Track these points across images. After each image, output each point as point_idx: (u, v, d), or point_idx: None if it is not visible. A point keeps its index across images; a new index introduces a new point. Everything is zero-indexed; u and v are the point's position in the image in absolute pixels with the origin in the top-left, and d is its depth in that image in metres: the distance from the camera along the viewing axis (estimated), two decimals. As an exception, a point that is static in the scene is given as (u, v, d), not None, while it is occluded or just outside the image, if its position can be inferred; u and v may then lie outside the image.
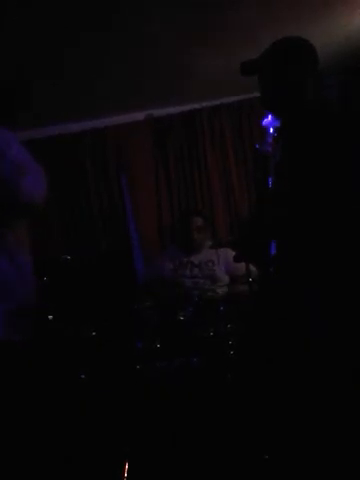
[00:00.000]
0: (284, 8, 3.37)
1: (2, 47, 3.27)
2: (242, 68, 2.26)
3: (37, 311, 3.11)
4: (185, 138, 4.84)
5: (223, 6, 3.24)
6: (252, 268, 2.71)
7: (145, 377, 2.84)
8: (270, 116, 2.20)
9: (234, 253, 3.86)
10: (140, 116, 4.82)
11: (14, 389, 1.78)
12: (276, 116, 2.23)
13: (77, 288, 3.69)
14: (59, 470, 2.25)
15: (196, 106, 4.80)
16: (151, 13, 3.21)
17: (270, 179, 2.14)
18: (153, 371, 2.86)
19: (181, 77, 4.15)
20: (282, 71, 2.13)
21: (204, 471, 2.44)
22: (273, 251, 2.14)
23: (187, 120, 4.82)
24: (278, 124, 2.17)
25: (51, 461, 2.18)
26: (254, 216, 2.42)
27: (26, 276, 1.87)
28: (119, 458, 2.46)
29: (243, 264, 3.87)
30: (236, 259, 2.58)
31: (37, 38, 3.28)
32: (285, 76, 2.12)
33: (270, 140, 2.17)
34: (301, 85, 2.13)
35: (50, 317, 3.14)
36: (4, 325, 1.76)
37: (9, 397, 1.75)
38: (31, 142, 4.36)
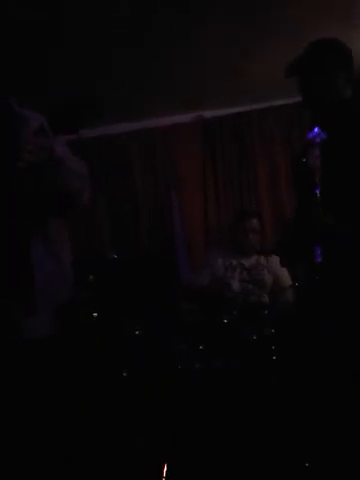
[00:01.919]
0: (334, 9, 3.32)
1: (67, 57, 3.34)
2: (285, 71, 2.28)
3: (82, 308, 3.17)
4: (234, 140, 4.82)
5: (271, 7, 3.22)
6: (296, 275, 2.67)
7: (186, 378, 2.83)
8: (316, 128, 2.19)
9: (282, 269, 3.91)
10: (189, 118, 4.82)
11: (57, 385, 1.80)
12: (316, 116, 2.25)
13: (122, 287, 3.72)
14: (101, 467, 2.27)
15: (246, 108, 4.77)
16: (202, 14, 3.21)
17: (317, 190, 2.13)
18: (194, 372, 2.85)
19: (231, 79, 4.14)
20: (320, 72, 2.14)
21: (243, 472, 2.42)
22: (319, 259, 2.12)
23: (236, 122, 4.80)
24: (324, 136, 2.16)
25: (93, 457, 2.20)
26: (297, 224, 2.40)
27: (67, 274, 1.90)
28: (158, 458, 2.46)
29: (288, 276, 3.89)
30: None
31: (94, 39, 3.33)
32: (323, 77, 2.13)
33: (317, 153, 2.15)
34: (337, 86, 2.13)
35: (95, 315, 3.18)
36: (47, 322, 1.79)
37: (52, 393, 1.77)
38: (80, 141, 4.44)
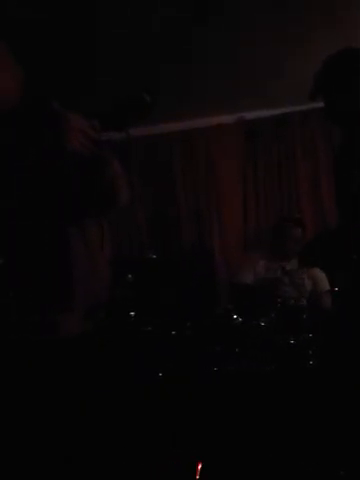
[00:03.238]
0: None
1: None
2: (309, 95, 2.26)
3: (119, 307, 3.19)
4: (275, 143, 4.78)
5: (316, 7, 3.19)
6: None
7: (221, 379, 2.82)
8: None
9: (321, 273, 3.88)
10: (231, 119, 4.80)
11: (91, 382, 1.81)
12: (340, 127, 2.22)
13: (160, 287, 3.73)
14: (136, 465, 2.28)
15: (288, 110, 4.72)
16: (247, 15, 3.19)
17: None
18: (230, 374, 2.84)
19: (275, 80, 4.10)
20: (342, 91, 2.10)
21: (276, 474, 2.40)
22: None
23: (278, 124, 4.76)
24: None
25: (127, 455, 2.21)
26: (341, 230, 2.38)
27: (105, 272, 1.91)
28: (191, 459, 2.45)
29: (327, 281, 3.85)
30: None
31: (141, 38, 3.37)
32: (346, 95, 2.10)
33: None
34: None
35: (132, 313, 3.20)
36: (84, 319, 1.80)
37: (85, 391, 1.78)
38: (122, 141, 4.47)
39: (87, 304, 1.81)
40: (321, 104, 3.96)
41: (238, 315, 3.24)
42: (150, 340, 3.06)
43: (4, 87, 1.72)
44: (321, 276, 3.92)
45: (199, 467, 2.37)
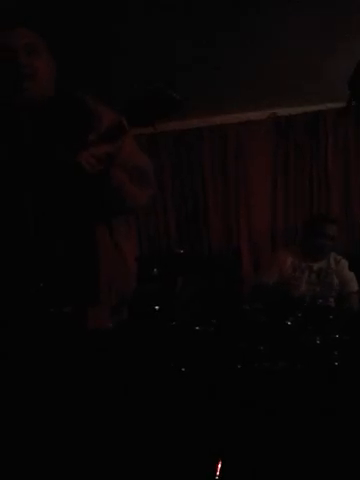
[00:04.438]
0: None
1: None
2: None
3: (144, 301, 3.20)
4: (307, 139, 4.73)
5: (351, 7, 3.14)
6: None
7: (244, 377, 2.81)
8: None
9: (350, 272, 3.83)
10: (263, 115, 4.77)
11: (117, 375, 1.82)
12: None
13: (186, 282, 3.73)
14: (157, 460, 2.28)
15: (321, 107, 4.67)
16: (281, 13, 3.17)
17: None
18: (253, 373, 2.82)
19: (308, 77, 4.06)
20: None
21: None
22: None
23: (310, 122, 4.71)
24: None
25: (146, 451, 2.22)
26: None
27: (131, 267, 1.93)
28: (213, 457, 2.44)
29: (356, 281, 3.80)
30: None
31: (174, 34, 3.37)
32: None
33: None
34: None
35: (156, 308, 3.20)
36: (110, 311, 1.82)
37: (112, 383, 1.79)
38: (150, 136, 4.49)
39: (114, 298, 1.83)
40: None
41: (264, 313, 3.22)
42: (174, 335, 3.06)
43: (43, 78, 1.75)
44: (350, 276, 3.87)
45: (219, 465, 2.35)
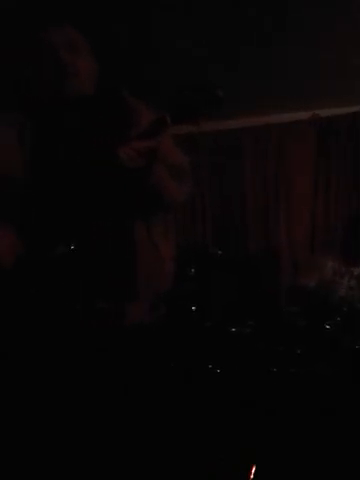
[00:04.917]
0: None
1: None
2: None
3: (181, 300, 3.20)
4: (350, 142, 4.65)
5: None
6: None
7: (280, 381, 2.78)
8: None
9: None
10: (304, 116, 4.71)
11: (150, 372, 1.82)
12: None
13: (223, 282, 3.72)
14: (191, 460, 2.27)
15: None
16: (324, 14, 3.12)
17: None
18: (289, 376, 2.79)
19: (353, 78, 4.00)
20: None
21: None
22: None
23: (354, 122, 4.63)
24: None
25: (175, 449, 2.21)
26: None
27: (168, 265, 1.93)
28: (245, 459, 2.41)
29: None
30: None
31: (221, 35, 3.37)
32: None
33: None
34: None
35: (193, 308, 3.20)
36: (147, 309, 1.82)
37: (145, 379, 1.79)
38: (190, 135, 4.48)
39: (151, 296, 1.85)
40: None
41: (302, 317, 3.19)
42: (210, 335, 3.05)
43: (84, 76, 1.77)
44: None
45: (253, 469, 2.32)
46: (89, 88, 1.80)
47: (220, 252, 4.13)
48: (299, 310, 3.40)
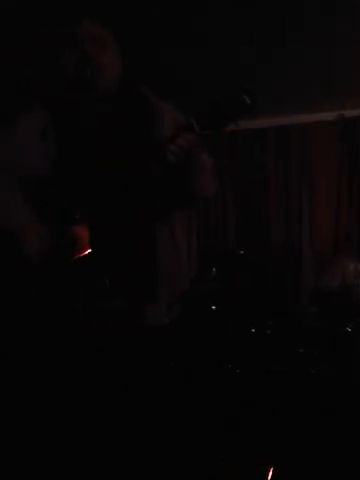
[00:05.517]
0: None
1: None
2: None
3: (201, 299, 3.20)
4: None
5: None
6: None
7: (298, 382, 2.76)
8: None
9: None
10: (329, 116, 4.67)
11: (170, 371, 1.83)
12: None
13: (245, 283, 3.71)
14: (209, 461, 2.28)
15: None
16: (345, 14, 3.10)
17: None
18: (307, 377, 2.78)
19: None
20: None
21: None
22: None
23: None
24: None
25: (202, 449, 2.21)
26: None
27: (190, 266, 1.93)
28: (264, 461, 2.41)
29: None
30: None
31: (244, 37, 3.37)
32: None
33: None
34: None
35: (213, 307, 3.19)
36: (168, 310, 1.82)
37: (164, 378, 1.79)
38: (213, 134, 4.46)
39: (171, 296, 1.84)
40: None
41: (322, 318, 3.17)
42: (228, 335, 3.05)
43: (109, 72, 1.76)
44: None
45: (270, 472, 2.32)
46: (113, 85, 1.79)
47: (242, 252, 4.12)
48: (318, 310, 3.39)
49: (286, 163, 4.82)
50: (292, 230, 4.79)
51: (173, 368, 1.77)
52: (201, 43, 3.41)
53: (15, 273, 1.71)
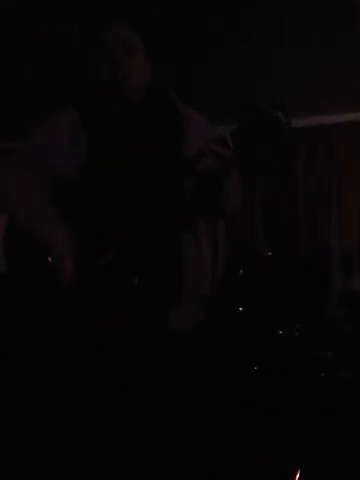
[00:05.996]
0: None
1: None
2: None
3: (228, 301, 3.19)
4: None
5: None
6: None
7: (326, 386, 2.74)
8: None
9: None
10: (356, 117, 4.62)
11: (196, 377, 1.82)
12: None
13: (272, 285, 3.69)
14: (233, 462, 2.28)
15: None
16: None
17: None
18: (336, 382, 2.75)
19: None
20: None
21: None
22: None
23: None
24: None
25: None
26: None
27: (214, 271, 1.93)
28: (291, 463, 2.40)
29: None
30: None
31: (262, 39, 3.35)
32: None
33: None
34: None
35: (240, 309, 3.18)
36: (192, 314, 1.81)
37: (189, 382, 1.79)
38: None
39: (196, 301, 1.82)
40: None
41: (349, 321, 3.14)
42: (255, 337, 3.03)
43: (137, 77, 1.77)
44: None
45: (297, 474, 2.31)
46: (141, 89, 1.80)
47: (270, 253, 4.09)
48: (345, 314, 3.36)
49: (314, 163, 4.78)
50: (321, 231, 4.74)
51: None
52: (225, 43, 3.41)
53: (41, 279, 1.73)
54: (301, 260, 4.53)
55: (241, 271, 3.53)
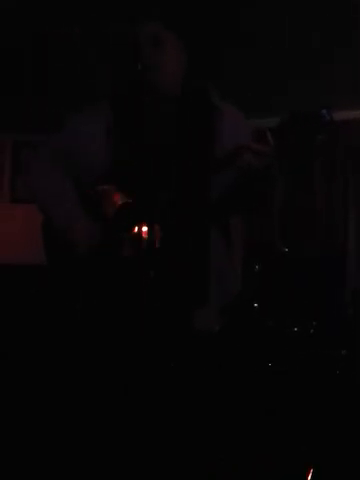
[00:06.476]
0: None
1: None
2: None
3: (244, 297, 3.18)
4: None
5: None
6: None
7: (342, 385, 2.73)
8: None
9: None
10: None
11: (217, 377, 1.82)
12: None
13: (288, 281, 3.69)
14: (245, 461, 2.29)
15: None
16: None
17: None
18: (353, 380, 2.75)
19: None
20: None
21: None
22: None
23: None
24: None
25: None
26: None
27: (238, 270, 1.92)
28: (303, 461, 2.41)
29: None
30: None
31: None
32: None
33: None
34: None
35: (256, 305, 3.18)
36: (217, 314, 1.80)
37: (209, 381, 1.79)
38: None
39: (222, 301, 1.81)
40: None
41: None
42: (270, 333, 3.04)
43: (168, 71, 1.75)
44: None
45: (310, 473, 2.32)
46: (174, 83, 1.78)
47: (286, 250, 4.09)
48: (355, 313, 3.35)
49: (331, 160, 4.76)
50: (337, 229, 4.73)
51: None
52: (258, 42, 3.41)
53: (63, 269, 1.74)
54: (318, 257, 4.52)
55: (257, 267, 3.53)
